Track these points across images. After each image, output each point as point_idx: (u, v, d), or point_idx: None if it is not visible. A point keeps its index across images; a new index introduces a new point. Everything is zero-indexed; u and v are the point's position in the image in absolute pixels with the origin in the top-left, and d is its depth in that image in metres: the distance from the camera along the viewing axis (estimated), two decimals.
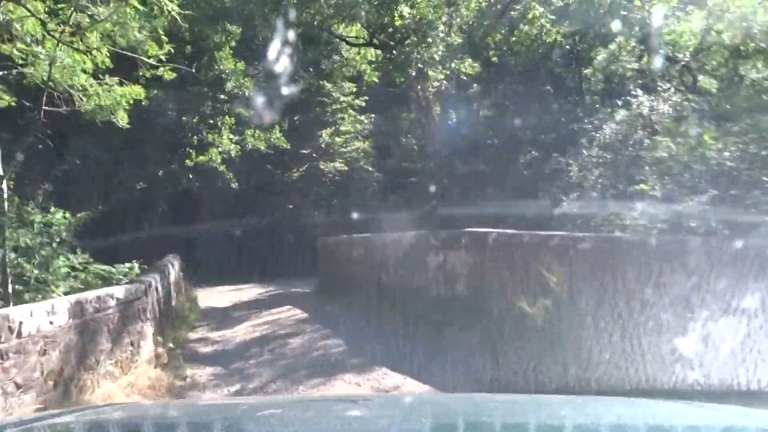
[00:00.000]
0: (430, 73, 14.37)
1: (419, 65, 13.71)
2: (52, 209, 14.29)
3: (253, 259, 24.40)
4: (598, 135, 11.01)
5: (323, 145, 25.44)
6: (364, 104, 27.11)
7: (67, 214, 14.36)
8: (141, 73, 13.62)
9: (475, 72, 15.92)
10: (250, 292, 18.80)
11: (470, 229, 7.90)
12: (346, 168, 25.58)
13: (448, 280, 8.14)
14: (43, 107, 14.00)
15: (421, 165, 22.55)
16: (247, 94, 21.92)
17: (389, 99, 25.97)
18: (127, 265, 14.33)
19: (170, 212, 21.26)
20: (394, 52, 14.29)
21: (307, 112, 26.02)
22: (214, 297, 17.66)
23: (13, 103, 14.75)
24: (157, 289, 8.17)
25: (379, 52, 16.62)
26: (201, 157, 19.85)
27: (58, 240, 13.11)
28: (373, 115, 26.43)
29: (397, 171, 25.67)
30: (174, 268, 11.64)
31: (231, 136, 21.11)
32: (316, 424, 2.04)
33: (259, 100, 23.55)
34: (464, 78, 17.31)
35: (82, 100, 14.81)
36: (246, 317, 11.63)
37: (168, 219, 21.54)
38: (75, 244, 13.49)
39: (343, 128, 26.42)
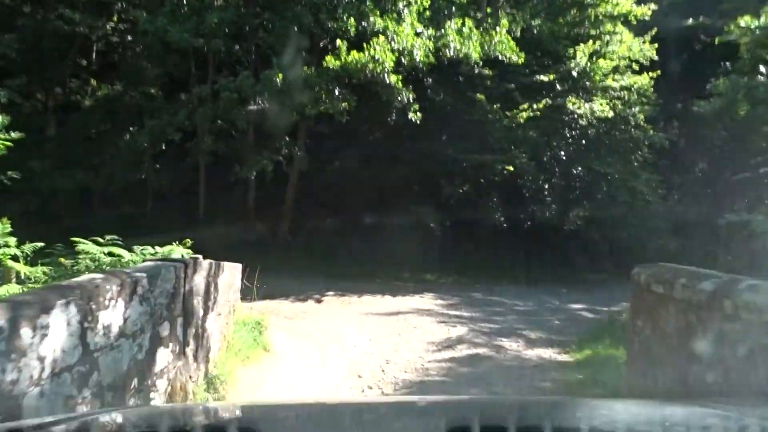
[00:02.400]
0: None
1: None
2: None
3: (445, 249, 14.87)
4: None
5: (575, 72, 14.79)
6: (649, 16, 15.92)
7: None
8: None
9: None
10: (419, 328, 9.09)
11: None
12: (610, 114, 14.76)
13: None
14: None
15: None
16: None
17: None
18: (163, 248, 6.98)
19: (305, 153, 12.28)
20: None
21: (554, 15, 15.46)
22: (338, 332, 8.36)
23: None
24: None
25: None
26: (356, 55, 10.36)
27: None
28: None
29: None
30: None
31: (418, 27, 11.35)
32: (331, 428, 2.03)
33: None
34: None
35: None
36: None
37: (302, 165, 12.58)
38: None
39: (611, 47, 15.51)
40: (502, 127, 13.69)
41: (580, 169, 16.08)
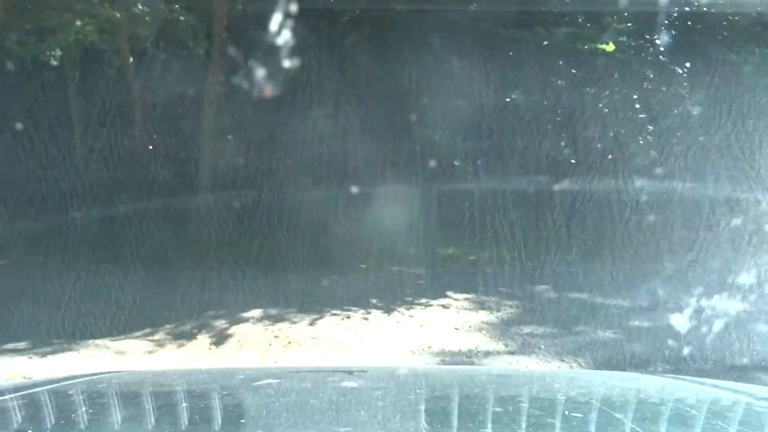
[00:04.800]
0: None
1: None
2: None
3: (474, 203, 8.79)
4: None
5: None
6: None
7: None
8: None
9: None
10: None
11: None
12: None
13: None
14: None
15: None
16: None
17: None
18: None
19: None
20: None
21: None
22: None
23: None
24: None
25: None
26: None
27: None
28: None
29: None
30: None
31: None
32: (312, 394, 2.03)
33: None
34: None
35: None
36: None
37: None
38: None
39: None
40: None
41: (687, 65, 9.72)
